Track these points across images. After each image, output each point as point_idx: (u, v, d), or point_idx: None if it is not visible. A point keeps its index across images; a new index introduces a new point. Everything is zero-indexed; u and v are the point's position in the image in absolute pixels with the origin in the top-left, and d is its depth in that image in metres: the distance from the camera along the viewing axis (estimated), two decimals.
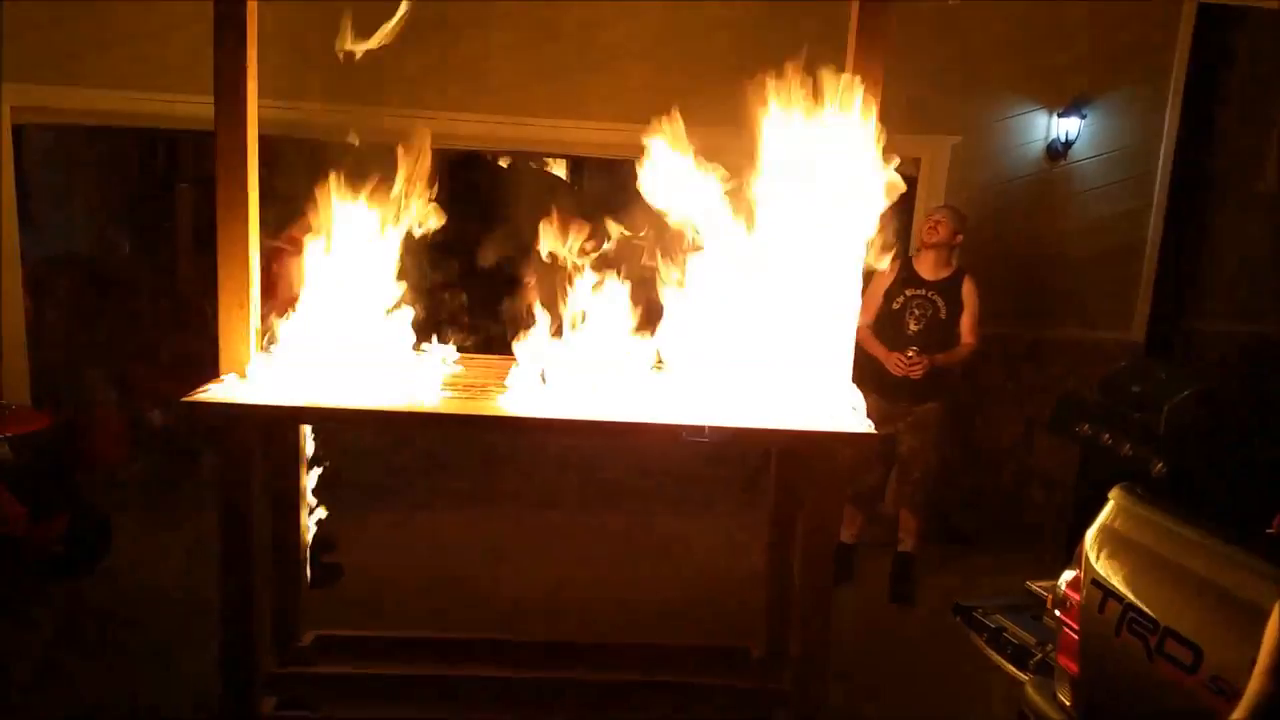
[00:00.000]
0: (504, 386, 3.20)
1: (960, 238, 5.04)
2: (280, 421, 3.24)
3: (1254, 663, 1.75)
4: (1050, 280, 6.08)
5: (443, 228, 3.39)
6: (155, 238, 7.67)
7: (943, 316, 4.96)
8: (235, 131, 3.08)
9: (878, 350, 4.86)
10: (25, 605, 4.36)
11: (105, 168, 7.78)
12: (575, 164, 9.37)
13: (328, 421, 3.37)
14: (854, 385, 3.20)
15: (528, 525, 5.73)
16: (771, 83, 3.03)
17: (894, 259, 4.85)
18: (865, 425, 3.04)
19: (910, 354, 4.86)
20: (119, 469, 6.15)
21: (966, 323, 5.01)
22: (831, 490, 3.21)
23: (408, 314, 3.33)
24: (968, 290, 5.01)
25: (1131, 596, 2.44)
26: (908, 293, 5.00)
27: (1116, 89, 5.90)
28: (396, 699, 3.67)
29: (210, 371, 3.21)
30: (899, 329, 4.98)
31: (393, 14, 3.08)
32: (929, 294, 4.99)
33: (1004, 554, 5.47)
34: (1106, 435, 5.26)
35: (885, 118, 3.10)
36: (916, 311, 4.97)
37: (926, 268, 5.04)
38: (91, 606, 4.41)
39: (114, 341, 6.74)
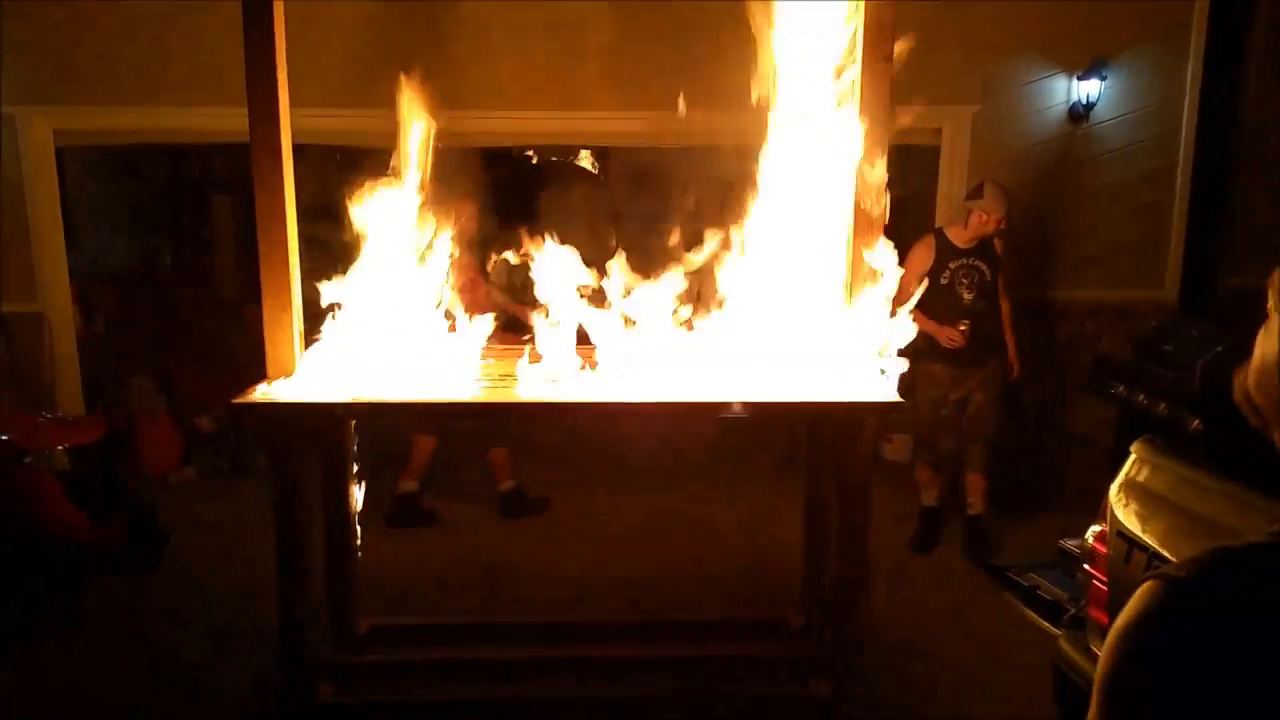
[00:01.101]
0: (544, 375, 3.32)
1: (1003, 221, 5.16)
2: (330, 417, 3.33)
3: None
4: (1079, 242, 6.09)
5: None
6: (195, 248, 7.86)
7: (989, 279, 5.13)
8: (269, 135, 3.19)
9: (929, 326, 4.91)
10: (92, 607, 4.54)
11: (141, 183, 8.00)
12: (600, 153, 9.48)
13: (379, 416, 3.44)
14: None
15: (563, 509, 5.85)
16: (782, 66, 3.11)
17: (925, 240, 4.99)
18: (891, 394, 3.11)
19: (963, 328, 4.99)
20: (171, 474, 6.36)
21: (1001, 281, 5.16)
22: (860, 459, 3.27)
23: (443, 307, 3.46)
24: (997, 246, 5.17)
25: (1155, 545, 2.50)
26: (952, 265, 5.09)
27: (1136, 49, 5.88)
28: (450, 682, 3.78)
29: (258, 373, 3.33)
30: (954, 300, 5.07)
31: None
32: (972, 261, 5.11)
33: (1042, 514, 5.53)
34: (1141, 395, 5.28)
35: (904, 90, 3.16)
36: (966, 280, 5.09)
37: (959, 237, 5.13)
38: (154, 605, 4.57)
39: (160, 350, 6.94)
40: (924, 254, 5.06)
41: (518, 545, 5.31)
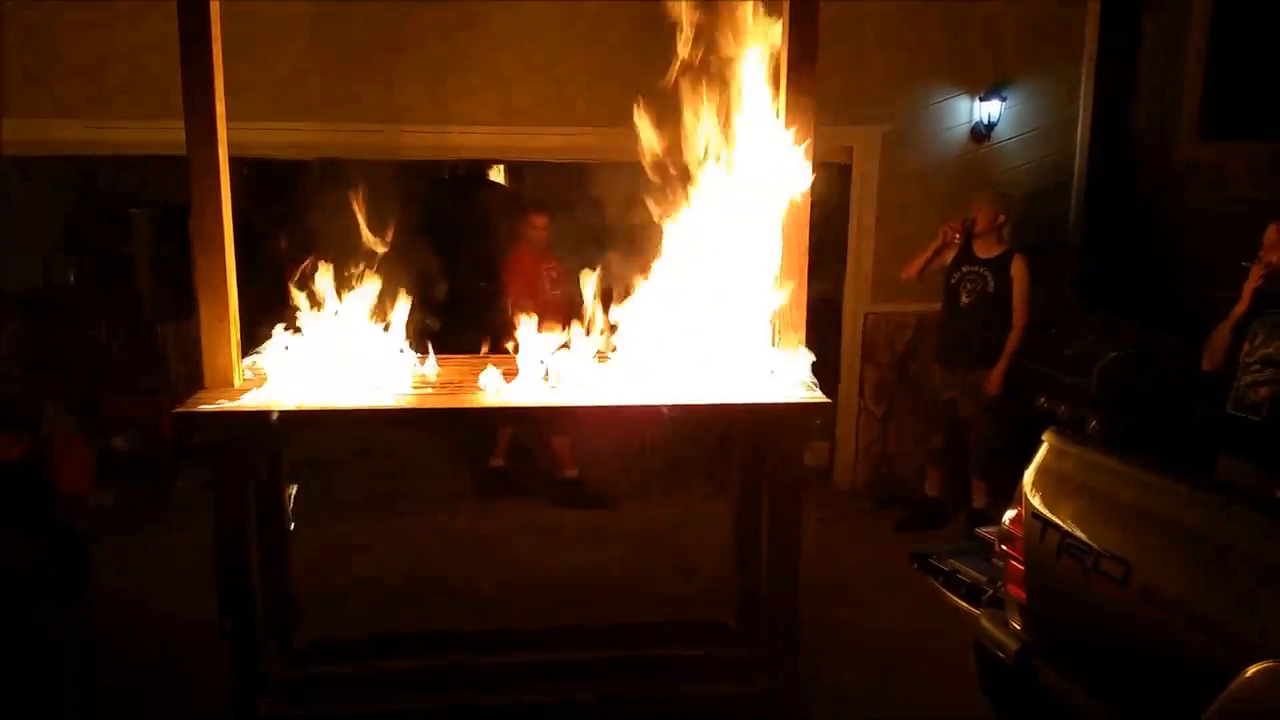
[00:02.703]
0: (478, 384, 3.39)
1: (1003, 218, 5.52)
2: (276, 426, 3.33)
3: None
4: None
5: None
6: (110, 264, 7.67)
7: (991, 291, 5.43)
8: (207, 148, 3.21)
9: (933, 244, 5.55)
10: (17, 632, 4.41)
11: (47, 197, 7.76)
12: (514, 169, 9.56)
13: (330, 424, 3.43)
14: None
15: (498, 520, 5.89)
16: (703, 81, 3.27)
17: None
18: (816, 396, 3.28)
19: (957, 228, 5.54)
20: (87, 496, 6.19)
21: (1017, 299, 5.44)
22: (792, 461, 3.40)
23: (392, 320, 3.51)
24: (1017, 268, 5.45)
25: (1067, 526, 2.71)
26: (963, 269, 5.52)
27: (1033, 71, 6.23)
28: (396, 693, 3.79)
29: (176, 391, 3.32)
30: (953, 300, 5.53)
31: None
32: (980, 270, 5.48)
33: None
34: (1043, 399, 5.59)
35: (817, 110, 3.35)
36: (968, 285, 5.49)
37: (980, 247, 5.53)
38: (86, 628, 4.48)
39: (73, 370, 6.76)
40: (948, 252, 5.59)
41: (450, 561, 5.34)
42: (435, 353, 3.59)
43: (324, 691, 3.77)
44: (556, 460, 6.23)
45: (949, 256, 5.59)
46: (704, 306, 3.41)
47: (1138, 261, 6.66)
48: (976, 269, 5.48)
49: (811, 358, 3.40)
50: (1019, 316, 5.43)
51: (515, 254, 6.22)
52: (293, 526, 3.81)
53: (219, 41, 3.21)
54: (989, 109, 6.18)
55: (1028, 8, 6.17)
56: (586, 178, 6.86)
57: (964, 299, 5.48)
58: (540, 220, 6.16)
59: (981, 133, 6.23)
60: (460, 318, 6.05)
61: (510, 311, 5.03)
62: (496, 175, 9.61)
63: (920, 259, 5.67)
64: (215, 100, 3.21)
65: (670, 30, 3.26)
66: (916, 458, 6.14)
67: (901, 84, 6.13)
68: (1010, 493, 3.03)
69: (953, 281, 5.54)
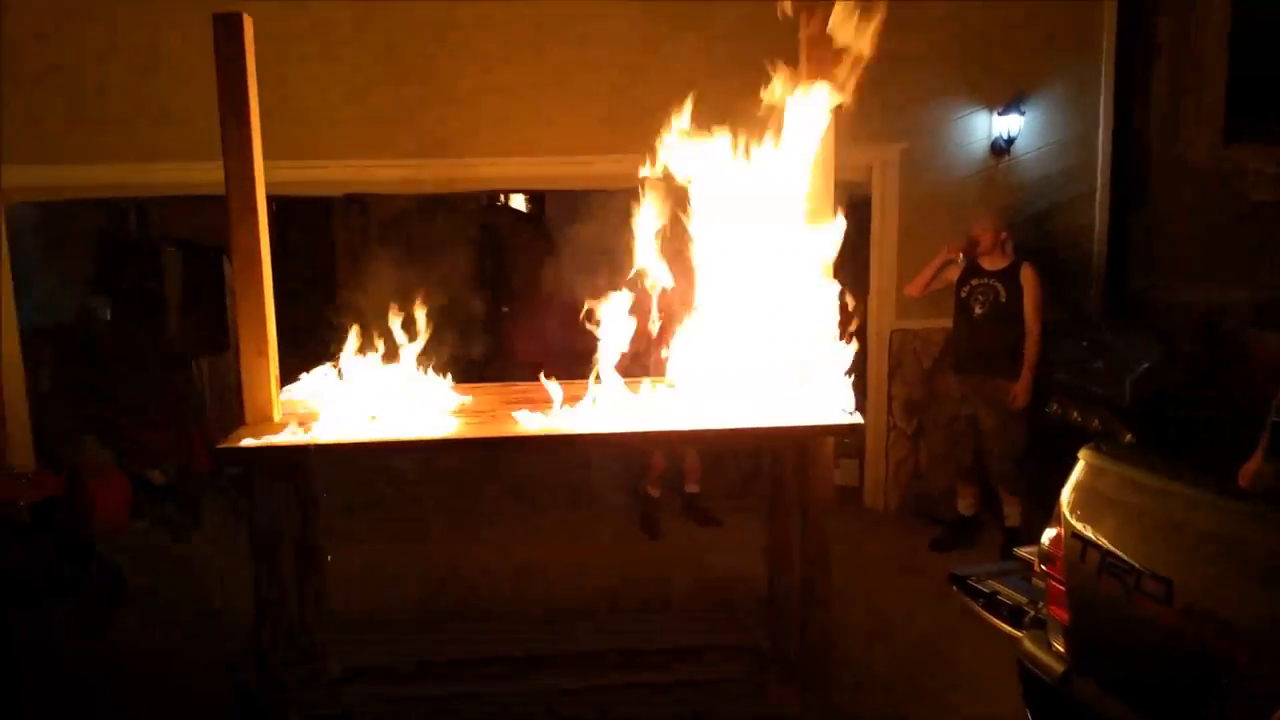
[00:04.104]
0: (510, 412, 3.43)
1: (1004, 234, 5.58)
2: (314, 458, 3.37)
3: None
4: None
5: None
6: (144, 300, 7.79)
7: (1003, 300, 5.48)
8: (245, 188, 3.29)
9: (934, 263, 5.69)
10: (54, 657, 4.48)
11: (84, 236, 7.91)
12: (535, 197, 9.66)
13: (374, 454, 3.45)
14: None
15: (531, 541, 5.94)
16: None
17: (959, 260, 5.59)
18: (850, 418, 3.30)
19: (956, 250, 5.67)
20: (123, 528, 6.27)
21: (1029, 306, 5.46)
22: (823, 482, 3.42)
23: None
24: (1026, 276, 5.48)
25: (1107, 544, 2.70)
26: (973, 282, 5.59)
27: (1052, 85, 6.23)
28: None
29: (212, 423, 3.39)
30: (968, 314, 5.59)
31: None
32: (990, 281, 5.54)
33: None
34: (1075, 412, 5.57)
35: (837, 131, 3.39)
36: (980, 297, 5.55)
37: (987, 262, 5.60)
38: (120, 657, 4.53)
39: (109, 404, 6.86)
40: (951, 270, 5.67)
41: (477, 575, 5.39)
42: (470, 379, 3.65)
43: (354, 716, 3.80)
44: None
45: (953, 274, 5.66)
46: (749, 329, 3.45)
47: (1160, 268, 6.67)
48: (986, 281, 5.54)
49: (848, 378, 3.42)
50: (1033, 323, 5.44)
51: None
52: (330, 558, 3.87)
53: (255, 87, 3.28)
54: (1008, 124, 6.18)
55: (1043, 21, 6.19)
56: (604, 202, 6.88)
57: (977, 310, 5.54)
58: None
59: (1001, 147, 6.23)
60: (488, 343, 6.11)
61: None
62: (518, 203, 9.72)
63: (922, 277, 5.76)
64: (253, 143, 3.28)
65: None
66: (948, 475, 6.12)
67: (920, 101, 6.14)
68: (1039, 503, 3.02)
69: (963, 295, 5.61)
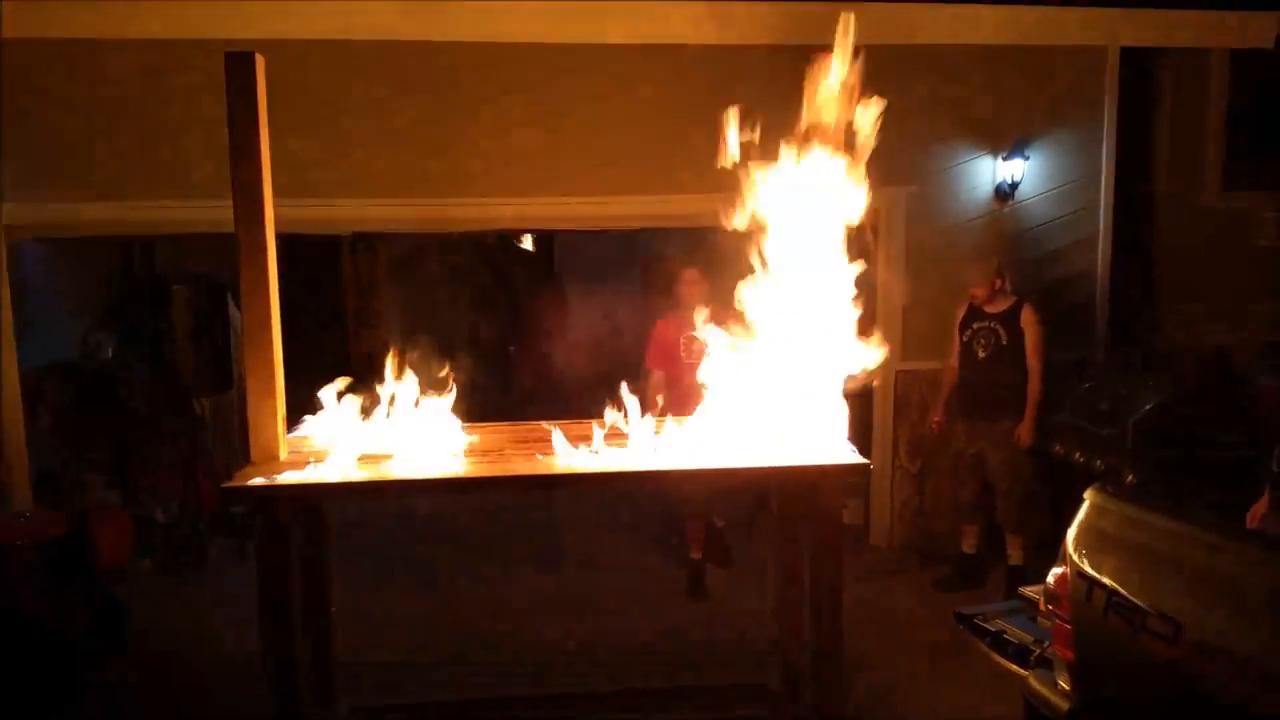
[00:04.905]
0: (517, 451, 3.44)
1: (998, 281, 5.64)
2: (326, 497, 3.37)
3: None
4: None
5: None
6: (148, 339, 7.83)
7: (1005, 343, 5.55)
8: (254, 228, 3.32)
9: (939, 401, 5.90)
10: (61, 696, 4.46)
11: (86, 274, 7.97)
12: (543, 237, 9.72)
13: (378, 495, 3.45)
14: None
15: (540, 583, 5.92)
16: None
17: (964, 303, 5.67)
18: (854, 458, 3.30)
19: (937, 420, 5.88)
20: (127, 565, 6.25)
21: (1030, 347, 5.52)
22: (832, 522, 3.41)
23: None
24: (1026, 318, 5.55)
25: (1112, 583, 2.70)
26: (975, 326, 5.67)
27: (1055, 131, 6.32)
28: None
29: (228, 456, 3.39)
30: (970, 356, 5.68)
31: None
32: (991, 324, 5.62)
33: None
34: (1079, 453, 5.57)
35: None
36: (983, 340, 5.62)
37: (988, 304, 5.66)
38: (122, 693, 4.52)
39: (113, 442, 6.87)
40: (958, 313, 5.76)
41: (496, 623, 5.35)
42: (470, 417, 3.66)
43: None
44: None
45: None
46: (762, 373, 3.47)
47: (1164, 311, 6.71)
48: (988, 324, 5.61)
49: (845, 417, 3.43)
50: (1035, 363, 5.50)
51: (660, 319, 5.77)
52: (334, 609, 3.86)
53: (266, 125, 3.33)
54: (1012, 169, 6.25)
55: (1046, 72, 6.28)
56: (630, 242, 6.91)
57: (980, 353, 5.60)
58: (691, 275, 5.58)
59: (1005, 192, 6.30)
60: (493, 378, 6.12)
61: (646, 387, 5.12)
62: (526, 243, 9.79)
63: (939, 408, 5.90)
64: (263, 182, 3.32)
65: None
66: (953, 514, 6.11)
67: (925, 146, 6.22)
68: (1044, 543, 3.02)
69: (965, 339, 5.68)
